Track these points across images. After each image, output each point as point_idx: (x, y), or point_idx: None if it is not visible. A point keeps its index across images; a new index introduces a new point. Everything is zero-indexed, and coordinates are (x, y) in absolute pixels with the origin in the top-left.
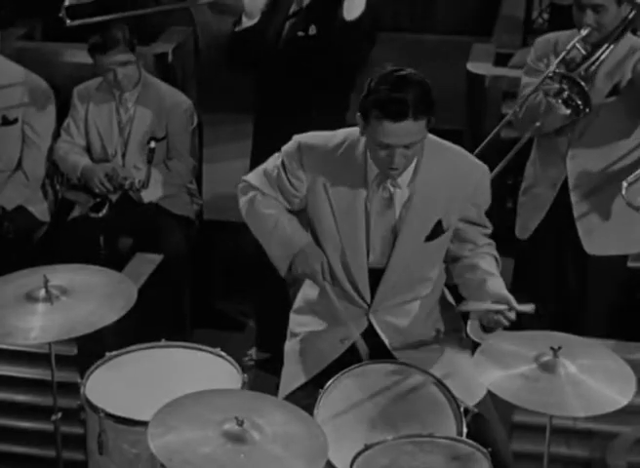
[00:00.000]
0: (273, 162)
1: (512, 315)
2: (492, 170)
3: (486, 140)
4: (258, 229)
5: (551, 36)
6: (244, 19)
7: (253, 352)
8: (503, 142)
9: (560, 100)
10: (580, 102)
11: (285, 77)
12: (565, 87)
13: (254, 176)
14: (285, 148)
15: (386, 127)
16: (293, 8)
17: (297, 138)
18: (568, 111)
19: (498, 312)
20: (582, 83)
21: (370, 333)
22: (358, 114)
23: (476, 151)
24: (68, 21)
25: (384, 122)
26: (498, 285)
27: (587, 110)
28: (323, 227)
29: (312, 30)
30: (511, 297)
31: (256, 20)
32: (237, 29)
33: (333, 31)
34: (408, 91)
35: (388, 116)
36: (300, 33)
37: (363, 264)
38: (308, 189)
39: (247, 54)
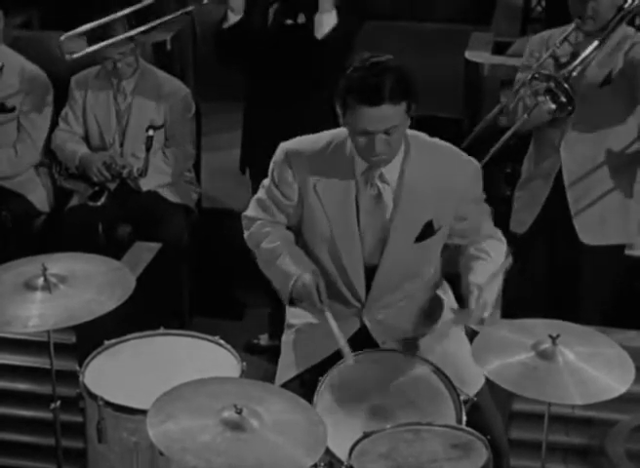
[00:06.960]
0: (264, 181)
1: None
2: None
3: (473, 133)
4: (261, 263)
5: (545, 33)
6: (230, 14)
7: (263, 338)
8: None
9: (548, 97)
10: (564, 101)
11: (275, 67)
12: (552, 84)
13: (250, 209)
14: (273, 159)
15: (364, 112)
16: None
17: (283, 146)
18: (554, 106)
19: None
20: (566, 85)
21: (362, 334)
22: (337, 104)
23: (464, 143)
24: (68, 56)
25: (361, 107)
26: (481, 270)
27: (570, 108)
28: (317, 230)
29: (301, 19)
30: (479, 287)
31: (241, 14)
32: (225, 26)
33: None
34: (383, 75)
35: (364, 101)
36: (289, 21)
37: (359, 263)
38: (301, 194)
39: (237, 48)
